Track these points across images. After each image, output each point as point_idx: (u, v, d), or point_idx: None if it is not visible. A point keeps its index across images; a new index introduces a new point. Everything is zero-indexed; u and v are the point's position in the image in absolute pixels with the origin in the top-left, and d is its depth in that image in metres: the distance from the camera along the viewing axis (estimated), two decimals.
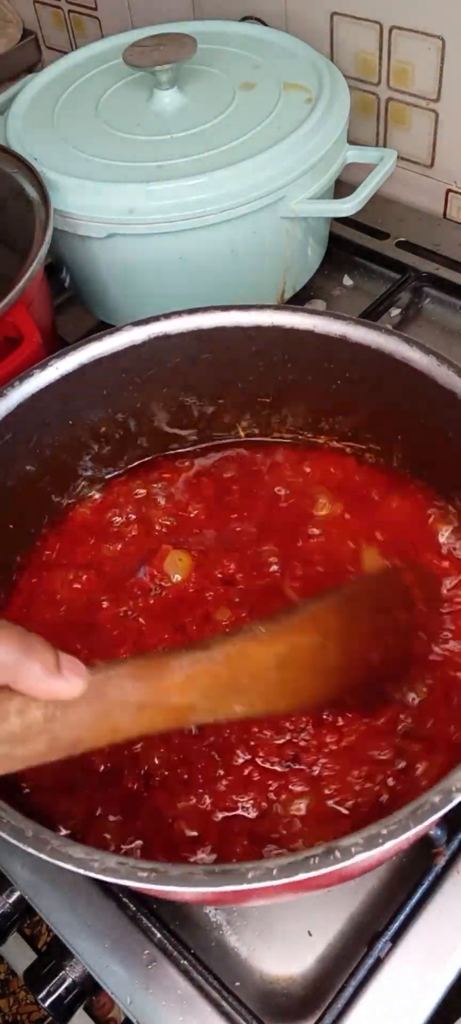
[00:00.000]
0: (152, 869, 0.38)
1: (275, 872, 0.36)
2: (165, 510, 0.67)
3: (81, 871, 0.38)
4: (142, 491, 0.68)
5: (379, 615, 0.55)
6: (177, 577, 0.62)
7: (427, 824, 0.38)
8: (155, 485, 0.69)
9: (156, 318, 0.65)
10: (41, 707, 0.38)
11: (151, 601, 0.61)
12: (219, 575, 0.62)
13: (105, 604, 0.61)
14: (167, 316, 0.65)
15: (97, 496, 0.68)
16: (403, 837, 0.37)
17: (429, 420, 0.60)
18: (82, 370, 0.63)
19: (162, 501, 0.68)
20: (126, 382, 0.66)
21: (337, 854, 0.37)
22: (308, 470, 0.68)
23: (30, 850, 0.39)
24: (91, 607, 0.61)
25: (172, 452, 0.71)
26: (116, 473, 0.70)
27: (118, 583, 0.62)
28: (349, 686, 0.53)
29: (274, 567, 0.62)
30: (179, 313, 0.65)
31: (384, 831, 0.37)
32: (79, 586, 0.62)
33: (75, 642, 0.58)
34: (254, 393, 0.68)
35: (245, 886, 0.36)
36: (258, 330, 0.65)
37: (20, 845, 0.39)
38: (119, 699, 0.41)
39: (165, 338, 0.65)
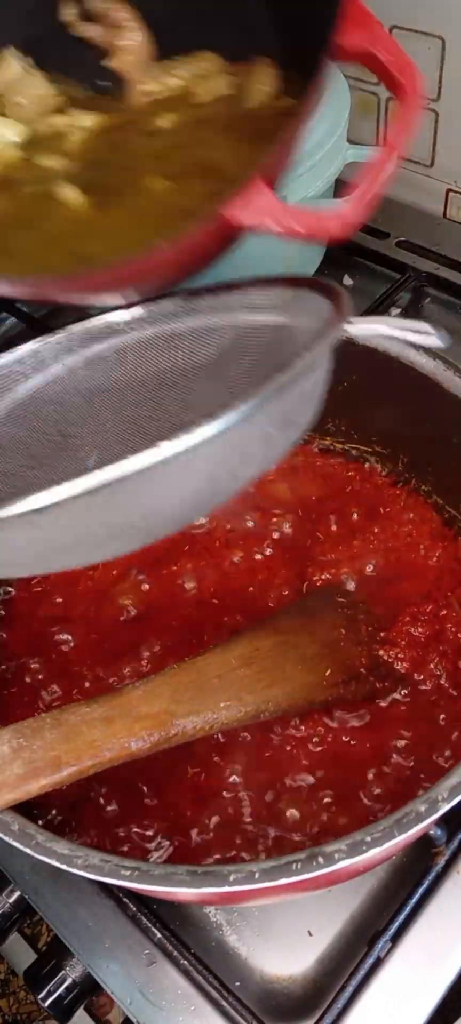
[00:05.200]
0: (135, 867, 0.38)
1: (257, 875, 0.37)
2: None
3: (64, 867, 0.38)
4: None
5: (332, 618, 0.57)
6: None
7: (412, 833, 0.38)
8: None
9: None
10: (4, 742, 0.41)
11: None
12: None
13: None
14: None
15: None
16: (387, 845, 0.37)
17: (436, 424, 0.60)
18: None
19: None
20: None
21: (320, 859, 0.37)
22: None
23: (15, 844, 0.39)
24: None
25: None
26: None
27: None
28: (341, 675, 0.53)
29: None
30: None
31: (368, 838, 0.37)
32: None
33: None
34: None
35: (226, 888, 0.36)
36: None
37: (5, 839, 0.40)
38: (81, 719, 0.44)
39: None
